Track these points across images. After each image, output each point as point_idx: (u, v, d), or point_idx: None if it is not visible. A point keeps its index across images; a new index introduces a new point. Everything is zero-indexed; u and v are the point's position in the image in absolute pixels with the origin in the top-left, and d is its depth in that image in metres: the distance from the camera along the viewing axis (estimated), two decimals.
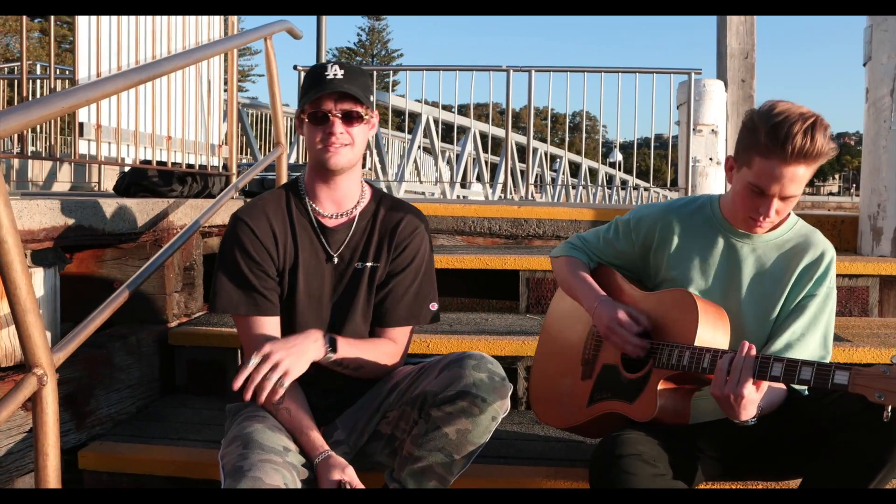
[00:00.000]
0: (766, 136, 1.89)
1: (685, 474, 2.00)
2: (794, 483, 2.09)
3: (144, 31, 3.42)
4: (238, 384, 1.89)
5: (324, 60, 6.37)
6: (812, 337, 2.04)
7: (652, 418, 1.98)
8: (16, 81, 9.60)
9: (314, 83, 2.07)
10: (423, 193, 10.70)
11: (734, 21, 7.49)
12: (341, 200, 2.18)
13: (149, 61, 3.38)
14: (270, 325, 2.12)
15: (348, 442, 2.15)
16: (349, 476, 1.96)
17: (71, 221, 2.52)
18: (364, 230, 2.19)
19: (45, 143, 9.61)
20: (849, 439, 1.84)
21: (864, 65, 3.99)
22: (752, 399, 1.82)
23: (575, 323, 2.36)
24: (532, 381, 2.48)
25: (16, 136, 2.99)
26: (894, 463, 1.80)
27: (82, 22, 3.04)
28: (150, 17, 3.44)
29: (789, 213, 2.13)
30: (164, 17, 3.55)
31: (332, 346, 2.03)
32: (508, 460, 2.44)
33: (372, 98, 2.16)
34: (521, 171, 10.88)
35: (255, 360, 1.91)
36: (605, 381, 2.18)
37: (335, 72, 2.07)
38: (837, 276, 3.55)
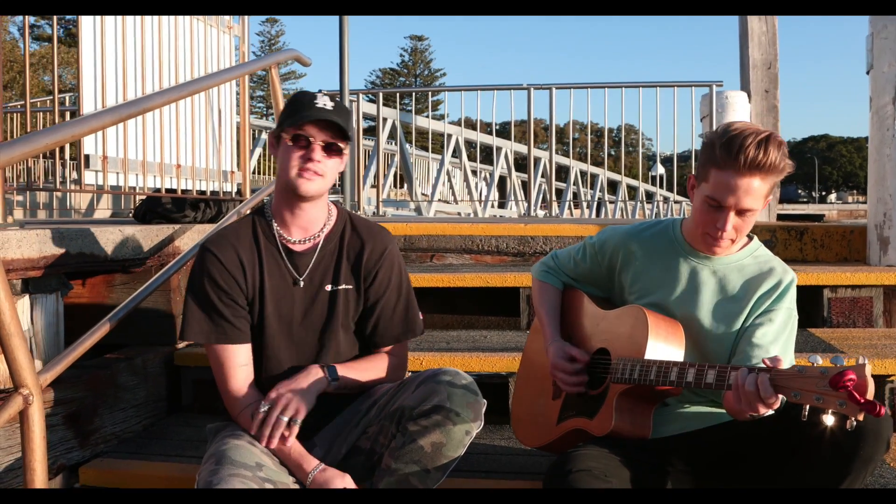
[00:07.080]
0: (721, 149, 1.95)
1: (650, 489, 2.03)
2: None
3: (152, 62, 3.56)
4: (254, 431, 2.06)
5: (347, 84, 6.47)
6: (773, 349, 2.05)
7: (609, 432, 2.01)
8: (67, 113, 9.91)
9: (301, 108, 2.13)
10: (459, 213, 10.74)
11: (756, 31, 7.46)
12: (308, 226, 2.22)
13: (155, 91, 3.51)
14: (241, 353, 2.18)
15: (326, 460, 2.19)
16: (349, 484, 2.05)
17: (71, 249, 2.64)
18: (333, 253, 2.24)
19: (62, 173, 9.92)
20: (814, 452, 1.86)
21: (867, 73, 3.97)
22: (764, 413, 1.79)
23: None
24: (513, 404, 2.54)
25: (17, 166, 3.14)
26: (855, 476, 1.83)
27: (87, 55, 3.17)
28: (156, 48, 3.57)
29: (752, 238, 2.18)
30: (172, 48, 3.69)
31: (333, 375, 2.13)
32: (490, 474, 2.48)
33: (351, 134, 2.22)
34: (559, 190, 10.88)
35: (264, 407, 2.06)
36: (571, 398, 2.23)
37: (325, 102, 2.13)
38: (842, 287, 3.59)
